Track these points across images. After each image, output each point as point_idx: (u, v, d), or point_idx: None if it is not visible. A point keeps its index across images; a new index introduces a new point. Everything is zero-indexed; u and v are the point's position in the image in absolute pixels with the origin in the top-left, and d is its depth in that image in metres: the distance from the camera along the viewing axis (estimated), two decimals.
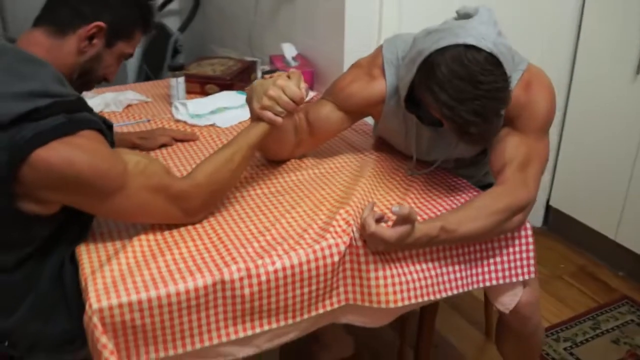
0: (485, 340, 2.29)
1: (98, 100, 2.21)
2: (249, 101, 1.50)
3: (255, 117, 1.47)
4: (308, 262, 1.31)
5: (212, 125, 2.08)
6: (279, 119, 1.44)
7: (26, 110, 1.15)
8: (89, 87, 1.43)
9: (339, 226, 1.38)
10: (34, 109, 1.16)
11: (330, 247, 1.33)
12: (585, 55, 2.61)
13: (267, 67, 2.55)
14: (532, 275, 1.55)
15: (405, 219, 1.29)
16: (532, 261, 1.54)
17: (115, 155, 1.26)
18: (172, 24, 3.74)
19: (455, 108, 1.31)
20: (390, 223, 1.34)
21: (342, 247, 1.34)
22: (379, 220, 1.33)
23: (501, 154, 1.51)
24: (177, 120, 2.11)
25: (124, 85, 2.52)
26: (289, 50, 2.48)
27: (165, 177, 1.32)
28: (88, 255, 1.32)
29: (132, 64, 3.79)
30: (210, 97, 2.25)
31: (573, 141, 2.75)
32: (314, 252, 1.32)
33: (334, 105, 1.68)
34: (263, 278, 1.27)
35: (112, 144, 1.33)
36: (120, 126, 2.05)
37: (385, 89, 1.62)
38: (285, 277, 1.29)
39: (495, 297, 1.58)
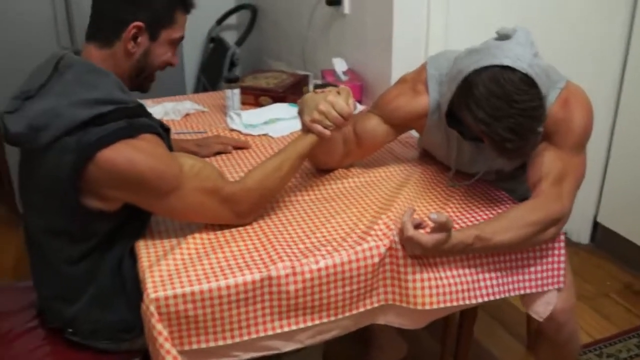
0: (526, 353, 2.31)
1: (158, 109, 2.34)
2: (300, 113, 1.59)
3: (305, 129, 1.56)
4: (350, 262, 1.38)
5: (265, 134, 2.18)
6: (327, 132, 1.53)
7: (91, 116, 1.27)
8: (151, 81, 1.51)
9: (380, 230, 1.45)
10: (98, 115, 1.28)
11: (371, 249, 1.40)
12: (633, 70, 2.62)
13: (319, 81, 2.63)
14: (562, 285, 1.59)
15: (442, 227, 1.35)
16: (562, 271, 1.59)
17: (172, 157, 1.36)
18: (230, 37, 3.88)
19: (491, 125, 1.38)
20: (428, 229, 1.41)
21: (383, 250, 1.41)
22: (417, 226, 1.41)
23: (538, 168, 1.56)
24: (232, 130, 2.21)
25: (183, 96, 2.66)
26: (339, 65, 2.57)
27: (218, 181, 1.42)
28: (146, 250, 1.43)
29: (191, 76, 3.95)
30: (263, 108, 2.36)
31: (621, 158, 2.75)
32: (356, 253, 1.39)
33: (380, 118, 1.76)
34: (307, 276, 1.35)
35: (169, 147, 1.44)
36: (178, 134, 2.17)
37: (428, 104, 1.69)
38: (328, 275, 1.37)
39: (530, 306, 1.63)
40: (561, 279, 1.59)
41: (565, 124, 1.54)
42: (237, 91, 2.34)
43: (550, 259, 1.58)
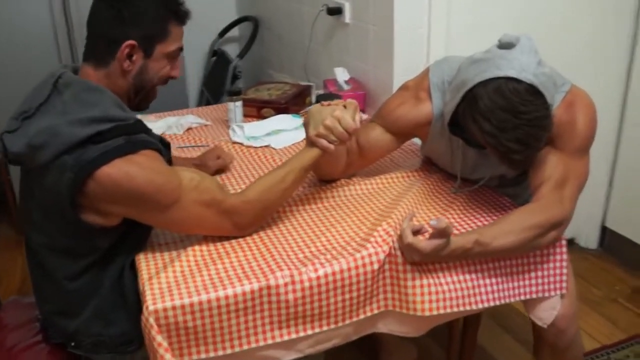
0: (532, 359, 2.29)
1: (161, 124, 2.36)
2: (305, 125, 1.58)
3: (310, 142, 1.55)
4: (349, 269, 1.39)
5: (267, 146, 2.18)
6: (331, 147, 1.52)
7: (89, 135, 1.28)
8: (152, 95, 1.51)
9: (380, 236, 1.45)
10: (96, 133, 1.29)
11: (370, 255, 1.41)
12: (639, 72, 2.61)
13: (321, 91, 2.64)
14: (564, 291, 1.58)
15: (441, 233, 1.35)
16: (564, 277, 1.58)
17: (171, 171, 1.37)
18: (232, 50, 3.90)
19: (498, 137, 1.38)
20: (427, 235, 1.40)
21: (382, 256, 1.41)
22: (417, 232, 1.41)
23: (540, 172, 1.55)
24: (234, 142, 2.22)
25: (186, 110, 2.67)
26: (341, 75, 2.57)
27: (217, 193, 1.42)
28: (146, 263, 1.43)
29: (194, 90, 3.97)
30: (266, 120, 2.36)
31: (629, 162, 2.74)
32: (355, 260, 1.39)
33: (383, 127, 1.76)
34: (306, 284, 1.35)
35: (169, 161, 1.45)
36: (181, 148, 2.18)
37: (432, 112, 1.68)
38: (327, 283, 1.37)
39: (533, 311, 1.62)
40: (564, 284, 1.58)
41: (568, 127, 1.53)
42: (239, 104, 2.35)
43: (552, 265, 1.57)
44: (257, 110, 2.49)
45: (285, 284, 1.34)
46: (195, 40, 3.75)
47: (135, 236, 1.46)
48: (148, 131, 1.41)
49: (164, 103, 3.18)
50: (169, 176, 1.35)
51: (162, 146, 1.42)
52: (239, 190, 1.54)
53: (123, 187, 1.29)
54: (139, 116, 2.42)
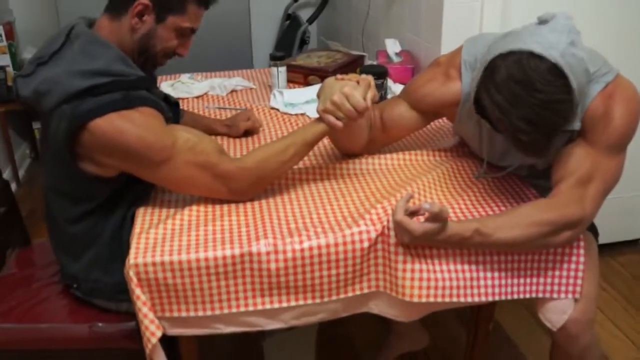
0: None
1: (205, 84, 2.38)
2: (318, 97, 1.54)
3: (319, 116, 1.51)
4: (336, 244, 1.36)
5: (303, 114, 2.17)
6: (339, 124, 1.46)
7: (86, 87, 1.31)
8: (154, 63, 1.50)
9: (376, 214, 1.41)
10: (94, 86, 1.32)
11: (360, 233, 1.37)
12: None
13: (374, 62, 2.59)
14: (577, 295, 1.48)
15: (435, 217, 1.30)
16: (579, 281, 1.47)
17: (165, 130, 1.38)
18: (306, 15, 3.87)
19: (507, 111, 1.29)
20: (422, 219, 1.35)
21: (373, 235, 1.37)
22: (413, 213, 1.34)
23: (563, 165, 1.44)
24: (272, 108, 2.22)
25: (234, 71, 2.69)
26: (392, 46, 2.50)
27: (214, 156, 1.42)
28: (143, 218, 1.46)
29: (265, 53, 3.98)
30: (308, 87, 2.34)
31: None
32: (344, 236, 1.36)
33: (409, 104, 1.69)
34: (289, 255, 1.34)
35: (175, 119, 1.46)
36: (218, 109, 2.20)
37: (461, 92, 1.60)
38: (311, 256, 1.35)
39: (542, 311, 1.53)
40: (578, 288, 1.48)
41: (603, 120, 1.40)
42: (283, 69, 2.34)
43: (565, 265, 1.47)
44: (304, 77, 2.48)
45: (267, 253, 1.33)
46: (271, 3, 3.75)
47: (136, 189, 1.49)
48: (151, 88, 1.42)
49: (227, 62, 3.24)
50: (162, 134, 1.36)
51: (165, 104, 1.44)
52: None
53: (114, 140, 1.32)
54: (184, 75, 2.49)
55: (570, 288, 1.48)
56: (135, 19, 1.41)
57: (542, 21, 1.37)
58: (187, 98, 2.34)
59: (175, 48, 1.48)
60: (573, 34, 1.31)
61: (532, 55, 1.27)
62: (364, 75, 1.52)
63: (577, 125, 1.39)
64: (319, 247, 1.35)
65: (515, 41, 1.31)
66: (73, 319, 1.58)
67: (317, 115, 1.97)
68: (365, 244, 1.37)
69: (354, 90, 1.44)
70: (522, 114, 1.27)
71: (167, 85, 2.42)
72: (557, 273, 1.48)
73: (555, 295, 1.49)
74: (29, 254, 1.90)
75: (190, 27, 1.47)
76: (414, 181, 1.59)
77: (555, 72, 1.26)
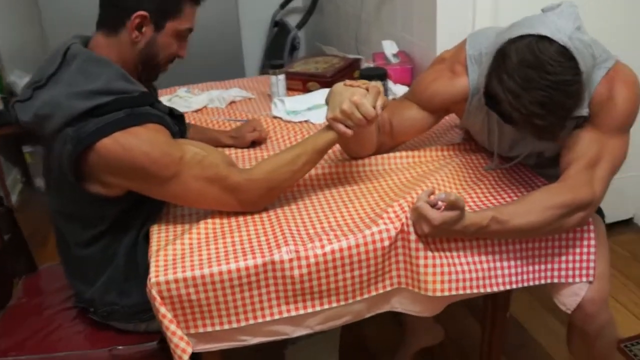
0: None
1: (203, 97, 2.37)
2: (327, 104, 1.52)
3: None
4: (357, 246, 1.35)
5: (306, 121, 2.15)
6: (349, 132, 1.44)
7: (88, 108, 1.30)
8: (158, 71, 1.49)
9: (394, 212, 1.40)
10: (96, 106, 1.30)
11: (380, 232, 1.36)
12: None
13: (371, 65, 2.58)
14: (591, 279, 1.49)
15: (452, 205, 1.30)
16: (591, 264, 1.49)
17: (172, 144, 1.36)
18: (294, 21, 3.86)
19: (521, 97, 1.30)
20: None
21: (393, 232, 1.36)
22: (432, 205, 1.34)
23: (572, 149, 1.46)
24: (274, 117, 2.20)
25: (232, 81, 2.67)
26: (389, 48, 2.50)
27: (222, 169, 1.40)
28: (158, 235, 1.45)
29: (255, 60, 3.97)
30: (308, 94, 2.32)
31: None
32: (364, 237, 1.35)
33: (418, 105, 1.68)
34: (312, 260, 1.33)
35: (182, 134, 1.45)
36: (221, 120, 2.19)
37: (468, 87, 1.60)
38: (334, 260, 1.34)
39: (556, 296, 1.54)
40: (591, 271, 1.49)
41: (608, 104, 1.43)
42: (282, 77, 2.32)
43: (578, 250, 1.48)
44: (303, 83, 2.46)
45: (290, 260, 1.32)
46: (258, 11, 3.75)
47: (148, 207, 1.47)
48: (154, 104, 1.41)
49: (220, 72, 3.22)
50: (169, 149, 1.34)
51: (170, 119, 1.42)
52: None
53: (120, 159, 1.30)
54: (182, 88, 2.47)
55: (584, 272, 1.50)
56: (135, 32, 1.40)
57: (547, 9, 1.38)
58: (187, 112, 2.31)
59: (176, 52, 1.48)
60: (578, 21, 1.34)
61: (541, 38, 1.30)
62: (373, 83, 1.50)
63: (585, 111, 1.41)
64: (341, 250, 1.34)
65: (524, 27, 1.33)
66: (91, 344, 1.56)
67: (321, 122, 1.96)
68: (386, 243, 1.36)
69: (363, 98, 1.42)
70: (535, 96, 1.29)
71: (165, 100, 2.39)
72: (570, 258, 1.49)
73: (570, 280, 1.50)
74: (36, 280, 1.87)
75: (188, 27, 1.46)
76: (427, 178, 1.59)
77: (565, 54, 1.29)
